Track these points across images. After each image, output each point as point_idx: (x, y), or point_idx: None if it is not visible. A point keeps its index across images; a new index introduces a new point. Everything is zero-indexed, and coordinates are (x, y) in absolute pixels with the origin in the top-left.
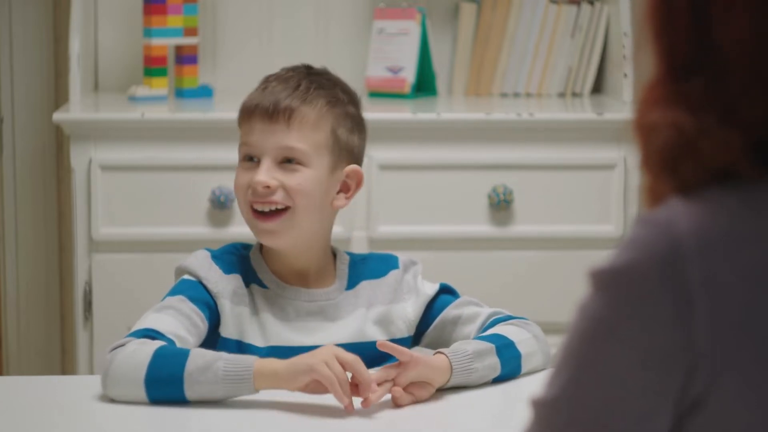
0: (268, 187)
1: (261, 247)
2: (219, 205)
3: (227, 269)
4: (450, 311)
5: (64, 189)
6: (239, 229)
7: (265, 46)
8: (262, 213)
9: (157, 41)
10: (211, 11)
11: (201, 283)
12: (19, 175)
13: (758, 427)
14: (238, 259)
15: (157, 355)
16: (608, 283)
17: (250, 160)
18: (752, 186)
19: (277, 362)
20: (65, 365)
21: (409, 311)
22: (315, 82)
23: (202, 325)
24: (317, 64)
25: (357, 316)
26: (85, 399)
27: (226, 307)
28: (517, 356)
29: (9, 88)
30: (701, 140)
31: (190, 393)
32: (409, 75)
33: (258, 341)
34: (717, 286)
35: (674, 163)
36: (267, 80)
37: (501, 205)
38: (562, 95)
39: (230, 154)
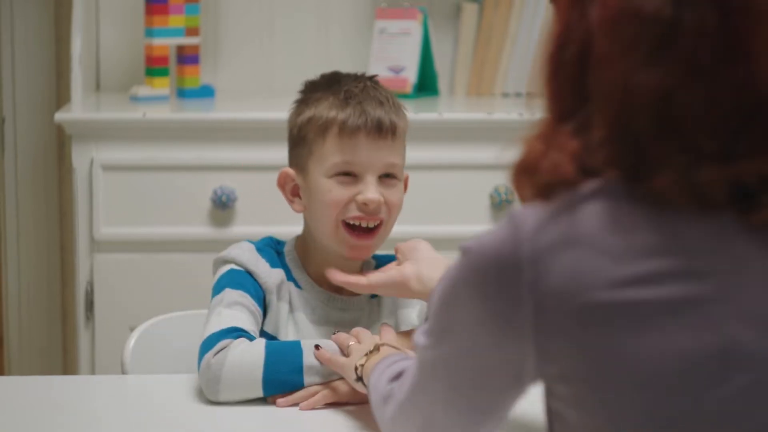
0: (378, 204)
1: (297, 245)
2: (220, 205)
3: (272, 263)
4: None
5: (66, 189)
6: (241, 229)
7: (266, 46)
8: (357, 229)
9: (158, 41)
10: (212, 11)
11: (251, 276)
12: (20, 174)
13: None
14: (276, 254)
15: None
16: (464, 259)
17: (346, 175)
18: (606, 191)
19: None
20: (67, 365)
21: (413, 317)
22: (386, 90)
23: (260, 322)
24: (318, 64)
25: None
26: (86, 399)
27: (272, 302)
28: None
29: (11, 88)
30: (541, 161)
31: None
32: (411, 75)
33: (291, 339)
34: (541, 293)
35: (527, 175)
36: (342, 92)
37: (503, 205)
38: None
39: (232, 154)
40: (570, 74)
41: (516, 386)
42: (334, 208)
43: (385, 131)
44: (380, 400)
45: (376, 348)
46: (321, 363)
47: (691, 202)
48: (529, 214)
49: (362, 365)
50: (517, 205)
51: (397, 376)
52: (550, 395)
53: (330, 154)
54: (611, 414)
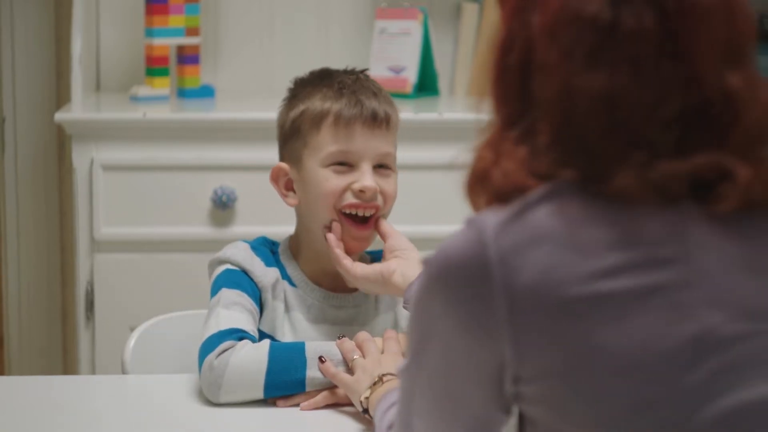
0: (374, 191)
1: (290, 244)
2: (221, 205)
3: (267, 262)
4: None
5: (66, 189)
6: (241, 229)
7: (266, 45)
8: (355, 220)
9: (158, 41)
10: (212, 11)
11: (247, 275)
12: (20, 174)
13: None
14: (270, 254)
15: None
16: (429, 270)
17: (341, 164)
18: (559, 192)
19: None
20: (67, 365)
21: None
22: (377, 84)
23: (258, 320)
24: (318, 64)
25: (380, 322)
26: (86, 399)
27: (268, 300)
28: None
29: (11, 87)
30: (492, 170)
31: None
32: (411, 75)
33: (288, 338)
34: (514, 292)
35: (480, 184)
36: (335, 84)
37: None
38: None
39: (232, 154)
40: (514, 80)
41: (500, 399)
42: (330, 197)
43: (380, 121)
44: None
45: (380, 379)
46: (324, 375)
47: (650, 197)
48: (488, 217)
49: (367, 398)
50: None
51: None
52: (522, 401)
53: (325, 143)
54: (588, 407)
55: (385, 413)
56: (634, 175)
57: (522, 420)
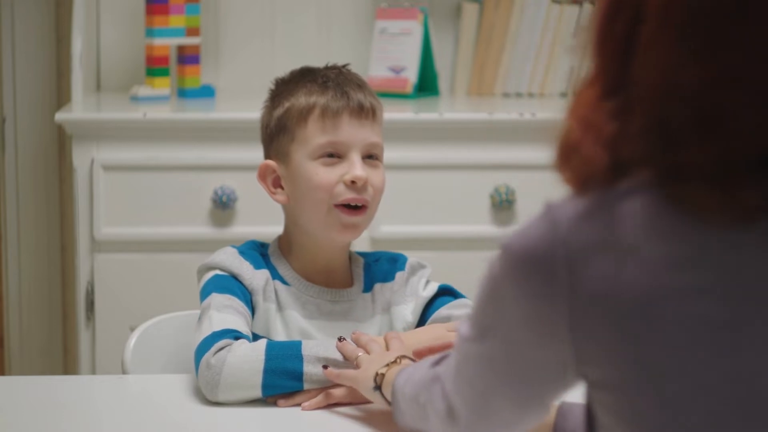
0: (365, 181)
1: (280, 244)
2: (221, 205)
3: (256, 265)
4: (442, 311)
5: (66, 189)
6: (241, 229)
7: (267, 45)
8: (349, 207)
9: (159, 41)
10: (213, 11)
11: (236, 279)
12: (21, 174)
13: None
14: (260, 256)
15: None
16: (504, 254)
17: (330, 156)
18: (643, 193)
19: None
20: (67, 365)
21: (407, 313)
22: (360, 77)
23: (250, 323)
24: (319, 64)
25: (376, 321)
26: (86, 399)
27: (259, 303)
28: None
29: (11, 87)
30: (578, 147)
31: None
32: (411, 75)
33: (282, 338)
34: (576, 298)
35: (566, 161)
36: (318, 78)
37: (503, 206)
38: (564, 95)
39: (232, 154)
40: (617, 50)
41: (562, 380)
42: (322, 190)
43: (367, 111)
44: (424, 385)
45: (398, 359)
46: (330, 380)
47: (726, 212)
48: (565, 210)
49: (383, 374)
50: (520, 202)
51: (439, 360)
52: (589, 396)
53: (313, 136)
54: (636, 421)
55: (414, 373)
56: (712, 186)
57: (589, 413)
